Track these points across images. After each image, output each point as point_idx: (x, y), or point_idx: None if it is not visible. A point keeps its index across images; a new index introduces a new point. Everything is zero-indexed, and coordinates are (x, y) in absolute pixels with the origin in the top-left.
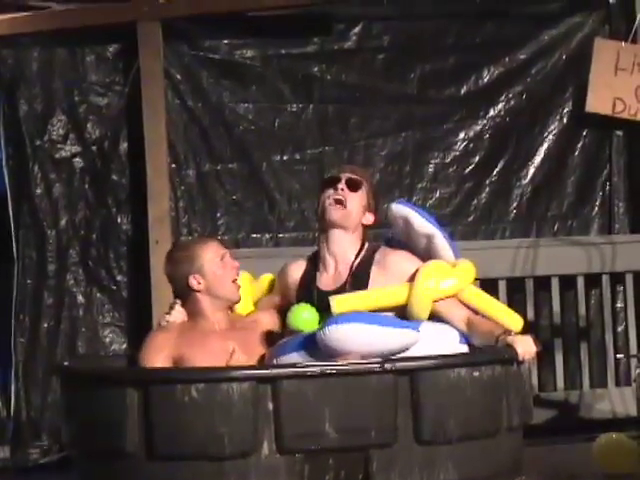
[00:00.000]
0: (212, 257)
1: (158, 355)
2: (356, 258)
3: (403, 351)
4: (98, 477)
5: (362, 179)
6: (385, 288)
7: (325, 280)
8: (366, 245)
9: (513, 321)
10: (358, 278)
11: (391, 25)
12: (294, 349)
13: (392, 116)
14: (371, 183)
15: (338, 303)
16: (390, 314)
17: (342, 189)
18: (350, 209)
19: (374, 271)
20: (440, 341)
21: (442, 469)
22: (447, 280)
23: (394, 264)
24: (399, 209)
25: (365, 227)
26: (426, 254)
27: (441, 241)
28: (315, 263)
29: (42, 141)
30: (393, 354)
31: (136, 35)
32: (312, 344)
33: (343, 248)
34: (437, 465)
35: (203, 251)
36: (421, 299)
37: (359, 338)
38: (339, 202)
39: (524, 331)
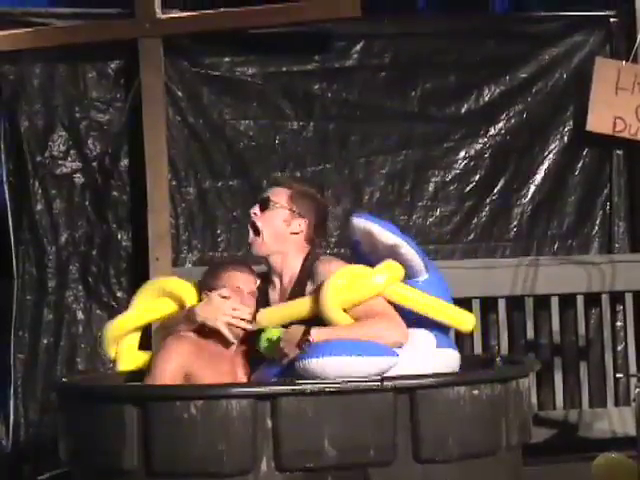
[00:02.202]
0: (223, 286)
1: (172, 363)
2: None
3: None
4: None
5: (278, 193)
6: (301, 299)
7: (274, 298)
8: (310, 256)
9: (462, 320)
10: (295, 293)
11: (392, 43)
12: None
13: (393, 134)
14: (295, 189)
15: (262, 316)
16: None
17: (255, 213)
18: (267, 236)
19: (309, 284)
20: (415, 351)
21: None
22: (356, 285)
23: (320, 275)
24: (360, 223)
25: (303, 233)
26: None
27: (407, 250)
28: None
29: (43, 157)
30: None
31: (137, 52)
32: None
33: (282, 267)
34: None
35: (221, 276)
36: (329, 307)
37: (340, 370)
38: (255, 230)
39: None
